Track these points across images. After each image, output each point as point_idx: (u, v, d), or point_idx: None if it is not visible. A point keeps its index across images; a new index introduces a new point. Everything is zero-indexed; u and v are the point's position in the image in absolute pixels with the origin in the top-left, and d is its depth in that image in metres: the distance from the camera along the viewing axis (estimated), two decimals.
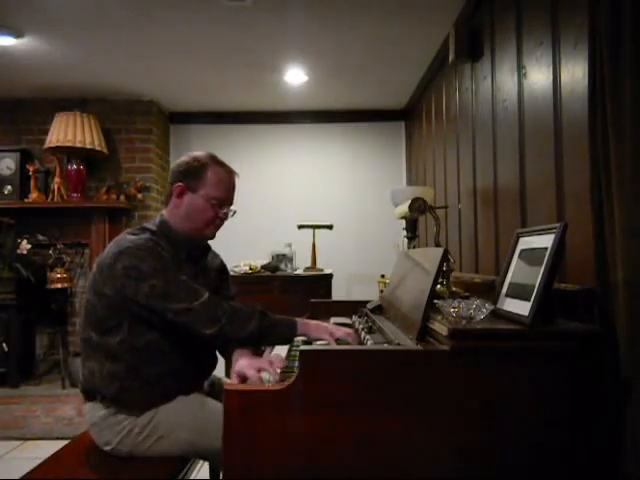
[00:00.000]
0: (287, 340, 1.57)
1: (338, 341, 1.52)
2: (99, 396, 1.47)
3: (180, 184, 1.55)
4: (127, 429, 1.44)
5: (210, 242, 1.70)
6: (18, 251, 3.51)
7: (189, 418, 1.47)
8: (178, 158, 1.64)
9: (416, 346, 1.23)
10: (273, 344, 1.58)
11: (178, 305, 1.38)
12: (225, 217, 1.60)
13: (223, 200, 1.58)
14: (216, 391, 1.67)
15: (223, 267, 1.82)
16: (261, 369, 1.33)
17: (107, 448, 1.47)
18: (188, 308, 1.38)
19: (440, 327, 1.20)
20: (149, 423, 1.45)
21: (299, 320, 1.54)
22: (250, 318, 1.43)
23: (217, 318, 1.39)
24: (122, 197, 3.89)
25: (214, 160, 1.58)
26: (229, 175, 1.60)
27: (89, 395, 1.50)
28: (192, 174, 1.55)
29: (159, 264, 1.42)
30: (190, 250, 1.61)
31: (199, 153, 1.60)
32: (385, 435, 1.10)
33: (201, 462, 1.72)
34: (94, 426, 1.48)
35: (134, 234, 1.50)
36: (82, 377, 1.52)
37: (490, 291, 1.55)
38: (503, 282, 1.39)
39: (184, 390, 1.52)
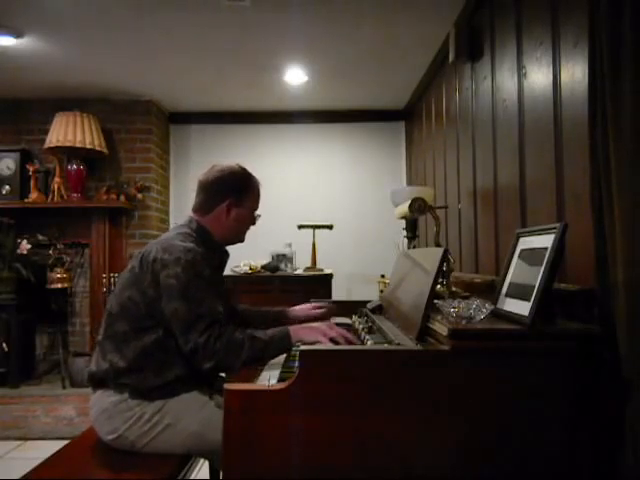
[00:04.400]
0: (284, 352, 1.60)
1: (332, 340, 1.52)
2: (115, 384, 1.49)
3: (231, 198, 1.65)
4: (137, 415, 1.47)
5: None
6: (18, 251, 3.51)
7: (197, 409, 1.50)
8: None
9: (416, 346, 1.23)
10: (272, 359, 1.60)
11: (188, 336, 1.43)
12: (255, 222, 1.77)
13: (258, 208, 1.76)
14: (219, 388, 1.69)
15: None
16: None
17: (111, 437, 1.49)
18: (195, 342, 1.42)
19: (440, 327, 1.20)
20: (159, 410, 1.48)
21: (291, 328, 1.54)
22: (242, 347, 1.44)
23: (214, 353, 1.42)
24: (122, 197, 3.89)
25: (250, 173, 1.73)
26: (259, 184, 1.75)
27: (101, 383, 1.52)
28: (241, 190, 1.68)
29: (195, 282, 1.47)
30: (222, 257, 1.75)
31: (233, 166, 1.70)
32: (385, 435, 1.10)
33: (201, 462, 1.72)
34: (104, 412, 1.50)
35: (181, 240, 1.55)
36: (97, 369, 1.53)
37: (490, 291, 1.55)
38: (503, 282, 1.39)
39: (200, 386, 1.56)
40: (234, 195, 1.66)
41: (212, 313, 1.46)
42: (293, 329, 1.54)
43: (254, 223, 1.76)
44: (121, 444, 1.49)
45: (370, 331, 1.61)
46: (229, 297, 1.92)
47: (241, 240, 1.77)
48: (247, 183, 1.70)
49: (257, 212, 1.76)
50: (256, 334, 1.49)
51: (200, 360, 1.43)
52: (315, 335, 1.52)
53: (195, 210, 1.70)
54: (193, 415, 1.49)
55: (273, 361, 1.73)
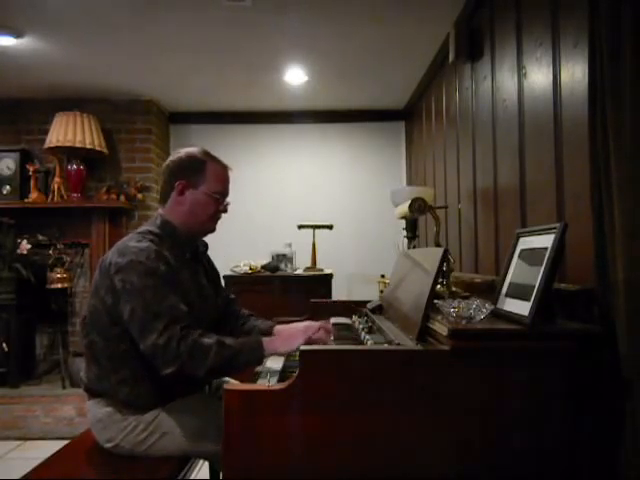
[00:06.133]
0: (254, 364, 1.49)
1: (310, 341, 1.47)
2: (104, 395, 1.48)
3: (181, 181, 1.55)
4: (132, 425, 1.45)
5: (210, 241, 1.72)
6: (18, 251, 3.50)
7: (192, 416, 1.48)
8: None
9: (416, 346, 1.23)
10: (239, 371, 1.48)
11: (146, 338, 1.35)
12: (225, 210, 1.64)
13: (223, 193, 1.62)
14: (216, 392, 1.68)
15: (213, 264, 1.83)
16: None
17: (109, 445, 1.47)
18: (153, 344, 1.33)
19: (440, 327, 1.20)
20: (154, 420, 1.46)
21: (264, 340, 1.44)
22: (208, 353, 1.33)
23: (177, 356, 1.32)
24: (122, 197, 3.89)
25: (210, 155, 1.61)
26: (225, 168, 1.63)
27: (94, 393, 1.51)
28: (191, 171, 1.56)
29: (150, 281, 1.39)
30: (194, 248, 1.65)
31: (192, 149, 1.61)
32: (385, 435, 1.10)
33: (201, 462, 1.72)
34: (98, 422, 1.48)
35: (138, 240, 1.47)
36: (87, 379, 1.52)
37: (490, 291, 1.55)
38: (503, 282, 1.39)
39: (188, 389, 1.53)
40: (185, 177, 1.55)
41: (171, 312, 1.36)
42: (267, 341, 1.44)
43: (225, 211, 1.63)
44: (119, 452, 1.47)
45: (370, 331, 1.61)
46: (229, 298, 1.86)
47: (208, 229, 1.63)
48: (201, 164, 1.57)
49: (218, 196, 1.60)
50: (226, 341, 1.38)
51: (160, 364, 1.33)
52: (290, 344, 1.45)
53: (159, 202, 1.63)
54: (189, 421, 1.47)
55: (273, 363, 1.72)
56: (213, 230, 1.64)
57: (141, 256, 1.41)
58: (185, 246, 1.59)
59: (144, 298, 1.37)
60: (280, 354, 1.49)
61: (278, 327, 1.73)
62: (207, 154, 1.61)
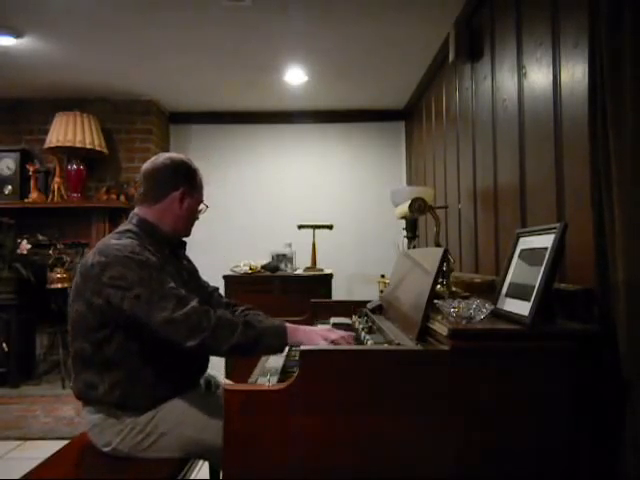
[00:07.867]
0: (276, 351, 1.47)
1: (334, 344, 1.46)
2: (100, 404, 1.45)
3: (183, 189, 1.58)
4: (128, 428, 1.44)
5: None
6: (18, 251, 3.51)
7: (189, 415, 1.47)
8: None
9: (416, 346, 1.23)
10: (260, 355, 1.45)
11: (161, 314, 1.33)
12: (198, 217, 1.69)
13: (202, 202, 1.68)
14: (211, 389, 1.68)
15: (190, 260, 1.83)
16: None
17: (107, 449, 1.46)
18: (170, 319, 1.32)
19: (440, 327, 1.20)
20: (150, 421, 1.44)
21: (289, 326, 1.43)
22: (234, 330, 1.33)
23: (200, 329, 1.32)
24: (122, 197, 3.89)
25: (193, 163, 1.66)
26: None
27: (86, 401, 1.48)
28: (191, 179, 1.61)
29: (145, 272, 1.38)
30: (173, 246, 1.65)
31: (179, 156, 1.64)
32: (385, 435, 1.10)
33: (201, 462, 1.72)
34: (94, 427, 1.47)
35: (117, 238, 1.47)
36: (77, 389, 1.48)
37: (490, 291, 1.55)
38: (503, 282, 1.39)
39: (183, 388, 1.52)
40: (187, 184, 1.58)
41: (176, 292, 1.37)
42: (291, 328, 1.42)
43: (197, 217, 1.67)
44: (117, 455, 1.45)
45: (370, 331, 1.61)
46: (211, 288, 1.84)
47: (188, 234, 1.67)
48: (196, 174, 1.63)
49: (203, 205, 1.67)
50: (251, 321, 1.40)
51: (182, 337, 1.32)
52: (315, 340, 1.42)
53: (141, 202, 1.59)
54: (186, 421, 1.45)
55: (273, 362, 1.72)
56: (189, 234, 1.68)
57: (125, 251, 1.40)
58: (164, 244, 1.58)
59: (146, 283, 1.36)
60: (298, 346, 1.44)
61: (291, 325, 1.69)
62: (191, 161, 1.65)
